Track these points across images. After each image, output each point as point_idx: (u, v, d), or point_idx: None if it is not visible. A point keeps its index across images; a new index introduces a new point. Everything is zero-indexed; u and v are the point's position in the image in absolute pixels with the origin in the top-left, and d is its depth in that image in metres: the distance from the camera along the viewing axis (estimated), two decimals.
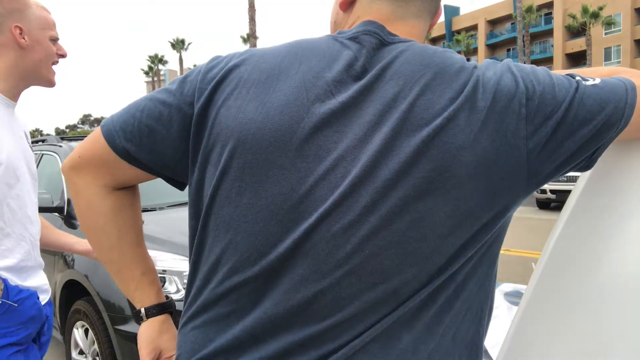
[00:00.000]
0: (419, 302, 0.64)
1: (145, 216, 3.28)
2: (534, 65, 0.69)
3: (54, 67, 1.46)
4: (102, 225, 0.81)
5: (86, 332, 2.85)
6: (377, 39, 0.69)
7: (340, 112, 0.66)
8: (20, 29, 1.34)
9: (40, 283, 1.49)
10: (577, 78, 0.68)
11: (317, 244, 0.64)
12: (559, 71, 0.76)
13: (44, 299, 1.49)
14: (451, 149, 0.62)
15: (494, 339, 1.64)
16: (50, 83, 1.47)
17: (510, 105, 0.63)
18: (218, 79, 0.72)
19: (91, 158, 0.78)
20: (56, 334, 3.27)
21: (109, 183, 0.80)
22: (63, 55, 1.46)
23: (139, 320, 0.87)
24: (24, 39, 1.35)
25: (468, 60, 0.69)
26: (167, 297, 0.89)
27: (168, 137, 0.74)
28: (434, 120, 0.62)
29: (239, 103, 0.69)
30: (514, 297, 1.83)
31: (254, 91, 0.69)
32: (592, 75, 0.73)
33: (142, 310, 0.86)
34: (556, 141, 0.64)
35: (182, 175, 0.77)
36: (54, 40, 1.43)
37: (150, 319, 0.86)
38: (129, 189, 0.83)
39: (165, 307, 0.88)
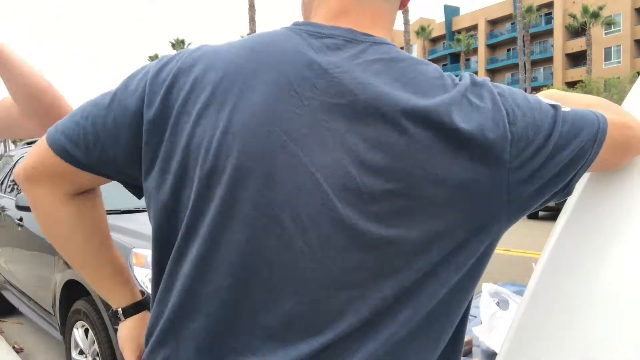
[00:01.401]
0: (399, 315, 0.62)
1: (145, 216, 3.24)
2: (511, 88, 0.68)
3: None
4: (67, 234, 0.78)
5: (86, 332, 2.85)
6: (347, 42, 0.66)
7: (313, 123, 0.62)
8: None
9: None
10: (554, 103, 0.67)
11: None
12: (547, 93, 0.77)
13: None
14: (427, 169, 0.60)
15: (494, 338, 1.64)
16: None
17: (494, 129, 0.61)
18: (169, 83, 0.66)
19: (45, 168, 0.73)
20: (56, 334, 3.28)
21: (68, 190, 0.75)
22: None
23: (116, 321, 0.86)
24: None
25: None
26: (142, 293, 0.89)
27: (117, 145, 0.69)
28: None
29: (204, 112, 0.63)
30: (499, 296, 1.85)
31: (213, 94, 0.64)
32: (568, 103, 0.73)
33: (119, 310, 0.85)
34: (536, 165, 0.63)
35: (138, 179, 0.72)
36: None
37: (129, 319, 0.86)
38: (90, 192, 0.79)
39: (142, 305, 0.87)
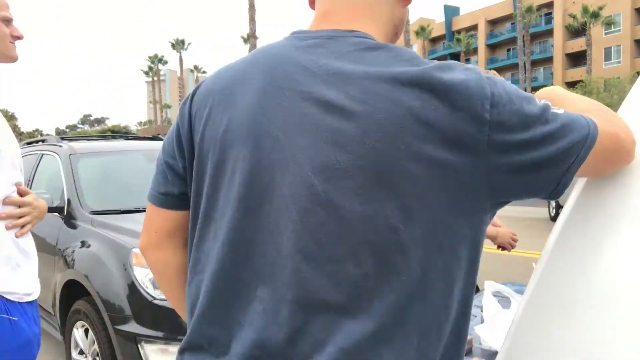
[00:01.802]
0: (380, 294, 0.65)
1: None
2: (502, 79, 0.70)
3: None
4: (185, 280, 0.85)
5: (86, 332, 2.86)
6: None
7: (293, 111, 0.70)
8: None
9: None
10: (545, 102, 0.69)
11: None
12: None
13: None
14: (398, 144, 0.63)
15: (496, 337, 1.64)
16: (11, 59, 1.45)
17: (471, 107, 0.63)
18: (190, 96, 0.82)
19: (163, 227, 0.86)
20: (56, 334, 3.28)
21: (182, 242, 0.86)
22: (19, 37, 1.44)
23: None
24: None
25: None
26: None
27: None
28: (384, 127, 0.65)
29: (214, 112, 0.76)
30: (501, 294, 1.85)
31: (219, 98, 0.76)
32: (566, 102, 0.76)
33: None
34: (519, 154, 0.64)
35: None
36: (7, 20, 1.42)
37: None
38: None
39: None
